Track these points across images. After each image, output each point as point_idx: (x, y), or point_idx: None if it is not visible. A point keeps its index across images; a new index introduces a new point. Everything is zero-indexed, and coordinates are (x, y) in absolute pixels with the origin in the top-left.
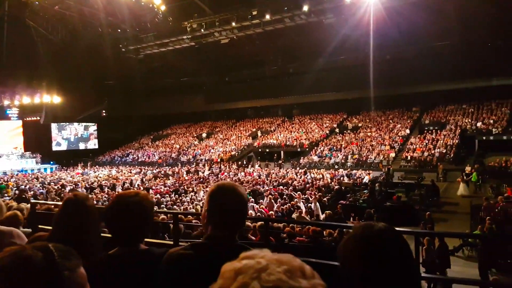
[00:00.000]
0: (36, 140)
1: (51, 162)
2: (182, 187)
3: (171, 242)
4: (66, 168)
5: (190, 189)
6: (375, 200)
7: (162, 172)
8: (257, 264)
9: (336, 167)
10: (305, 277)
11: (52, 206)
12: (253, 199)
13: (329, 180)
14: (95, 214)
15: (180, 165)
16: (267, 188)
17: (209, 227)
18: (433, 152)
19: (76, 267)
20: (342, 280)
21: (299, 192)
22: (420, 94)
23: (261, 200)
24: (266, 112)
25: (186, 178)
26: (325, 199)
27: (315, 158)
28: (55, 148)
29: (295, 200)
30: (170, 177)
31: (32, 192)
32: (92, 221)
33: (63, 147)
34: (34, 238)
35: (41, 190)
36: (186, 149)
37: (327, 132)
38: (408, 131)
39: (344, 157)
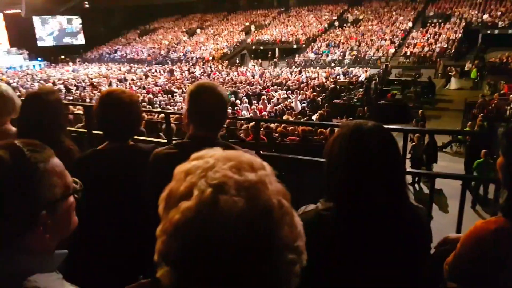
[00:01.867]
0: (20, 35)
1: (39, 59)
2: (174, 86)
3: (165, 141)
4: (55, 65)
5: (182, 89)
6: (369, 98)
7: (153, 70)
8: (205, 163)
9: (332, 65)
10: (254, 170)
11: None
12: (246, 100)
13: (324, 80)
14: (58, 108)
15: (170, 63)
16: (260, 88)
17: (191, 127)
18: (434, 47)
19: (49, 157)
20: (327, 174)
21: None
22: None
23: (255, 101)
24: (260, 2)
25: (178, 77)
26: (319, 98)
27: (312, 56)
28: (40, 43)
29: (289, 100)
30: (162, 76)
31: (25, 90)
32: (54, 115)
33: (49, 42)
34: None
35: (34, 88)
36: (175, 46)
37: (326, 26)
38: (410, 24)
39: (341, 54)
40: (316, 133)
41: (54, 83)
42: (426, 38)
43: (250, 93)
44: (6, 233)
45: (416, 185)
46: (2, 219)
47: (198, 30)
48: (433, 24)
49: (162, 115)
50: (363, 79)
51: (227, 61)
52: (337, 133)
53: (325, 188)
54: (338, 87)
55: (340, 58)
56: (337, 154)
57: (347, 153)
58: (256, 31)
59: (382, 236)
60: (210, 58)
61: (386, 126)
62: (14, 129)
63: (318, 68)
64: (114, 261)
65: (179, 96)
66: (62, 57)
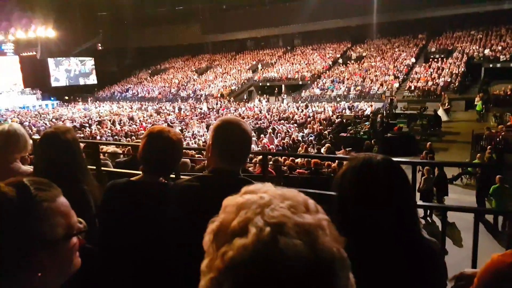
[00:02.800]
0: (35, 76)
1: (52, 98)
2: (183, 123)
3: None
4: (67, 104)
5: (191, 124)
6: (376, 131)
7: (163, 107)
8: (260, 199)
9: (338, 99)
10: (309, 212)
11: None
12: (254, 134)
13: (330, 113)
14: (75, 146)
15: (180, 100)
16: (267, 123)
17: (213, 161)
18: (437, 81)
19: (55, 196)
20: (336, 208)
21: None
22: (427, 19)
23: (262, 135)
24: (266, 43)
25: (187, 114)
26: (325, 132)
27: (317, 91)
28: (54, 84)
29: (296, 135)
30: (172, 113)
31: (35, 129)
32: (71, 153)
33: (62, 82)
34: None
35: (43, 127)
36: (185, 84)
37: (330, 63)
38: (413, 59)
39: (346, 89)
40: (324, 166)
41: (73, 121)
42: (430, 72)
43: (259, 128)
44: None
45: (428, 218)
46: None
47: (207, 69)
48: (435, 59)
49: None
50: (368, 113)
51: (234, 97)
52: (347, 166)
53: (335, 221)
54: (344, 120)
55: (345, 93)
56: (347, 187)
57: (357, 186)
58: (263, 69)
59: (395, 271)
60: (219, 95)
61: (395, 159)
62: (24, 167)
63: (324, 103)
64: None
65: (187, 132)
66: (67, 97)
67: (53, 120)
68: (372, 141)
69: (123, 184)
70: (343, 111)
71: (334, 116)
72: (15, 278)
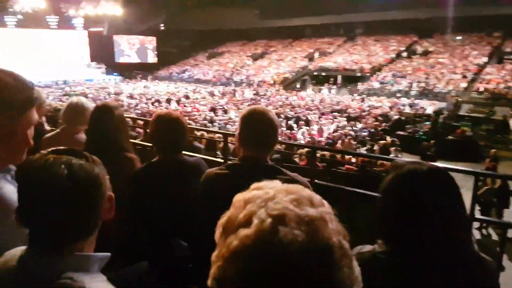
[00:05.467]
0: (101, 51)
1: (115, 74)
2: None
3: (222, 160)
4: (128, 80)
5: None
6: (437, 132)
7: (217, 91)
8: (265, 194)
9: (398, 95)
10: (313, 206)
11: None
12: (305, 124)
13: (388, 109)
14: (122, 120)
15: (233, 84)
16: (318, 114)
17: (242, 149)
18: (510, 84)
19: (100, 164)
20: (380, 217)
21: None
22: (504, 17)
23: (312, 126)
24: (326, 31)
25: (239, 98)
26: (380, 129)
27: (376, 85)
28: (117, 59)
29: (347, 128)
30: (224, 97)
31: (99, 102)
32: (118, 126)
33: (125, 59)
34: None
35: (106, 100)
36: (239, 69)
37: (393, 56)
38: (485, 59)
39: (408, 85)
40: (375, 164)
41: (132, 96)
42: (502, 74)
43: (289, 116)
44: (75, 235)
45: (483, 230)
46: (89, 216)
47: (262, 55)
48: (510, 60)
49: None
50: (430, 112)
51: (287, 85)
52: (392, 175)
53: (379, 229)
54: (403, 118)
55: (407, 89)
56: (391, 197)
57: (401, 197)
58: (319, 58)
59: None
60: (271, 82)
61: (450, 167)
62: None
63: (382, 97)
64: (157, 268)
65: (236, 117)
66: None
67: (114, 94)
68: (431, 142)
69: (143, 168)
70: (403, 107)
71: (392, 112)
72: (95, 229)
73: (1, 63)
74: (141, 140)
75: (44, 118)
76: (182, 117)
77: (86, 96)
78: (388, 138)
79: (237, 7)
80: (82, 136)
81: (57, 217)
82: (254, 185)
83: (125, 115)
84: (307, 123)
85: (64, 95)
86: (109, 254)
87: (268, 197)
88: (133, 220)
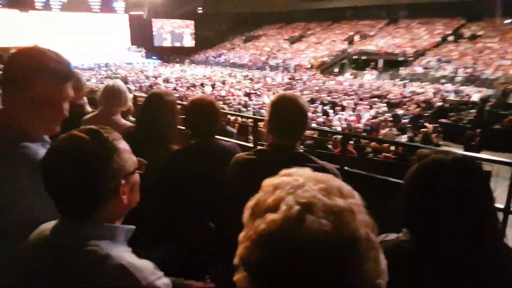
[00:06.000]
0: (141, 35)
1: (154, 57)
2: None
3: (252, 145)
4: (166, 64)
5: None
6: (482, 121)
7: (251, 75)
8: (294, 181)
9: (442, 81)
10: (342, 196)
11: None
12: (341, 110)
13: (431, 96)
14: (172, 108)
15: (269, 69)
16: (356, 99)
17: (271, 135)
18: None
19: (120, 138)
20: (405, 206)
21: None
22: None
23: (348, 112)
24: (367, 13)
25: (274, 83)
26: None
27: (419, 70)
28: (156, 43)
29: (386, 115)
30: (259, 81)
31: (138, 85)
32: (169, 113)
33: (164, 43)
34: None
35: (145, 83)
36: (275, 53)
37: (438, 40)
38: None
39: (454, 70)
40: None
41: (167, 80)
42: None
43: (325, 102)
44: (97, 202)
45: None
46: (97, 192)
47: (300, 39)
48: None
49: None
50: (476, 100)
51: (325, 69)
52: (416, 164)
53: (403, 218)
54: (446, 105)
55: (452, 74)
56: (415, 187)
57: (425, 187)
58: (359, 41)
59: (466, 281)
60: (308, 66)
61: (490, 157)
62: (123, 120)
63: (425, 83)
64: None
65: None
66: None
67: (152, 77)
68: (476, 131)
69: (181, 150)
70: (447, 94)
71: (435, 99)
72: (109, 202)
73: (46, 46)
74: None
75: (85, 99)
76: (216, 102)
77: (126, 79)
78: (429, 126)
79: None
80: (118, 117)
81: (66, 187)
82: (284, 171)
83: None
84: (343, 109)
85: (106, 77)
86: (133, 226)
87: (297, 184)
88: (165, 200)
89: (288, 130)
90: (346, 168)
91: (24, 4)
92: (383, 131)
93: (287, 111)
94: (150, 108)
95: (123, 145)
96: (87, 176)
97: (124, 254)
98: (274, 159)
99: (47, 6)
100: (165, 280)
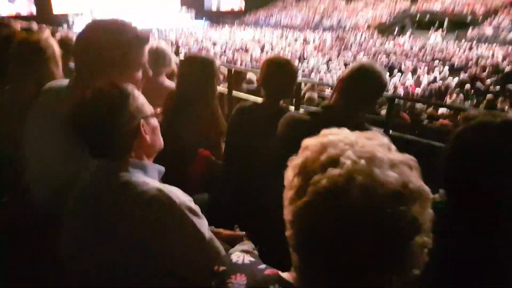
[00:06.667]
0: None
1: (203, 19)
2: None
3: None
4: (215, 26)
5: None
6: None
7: (303, 37)
8: (345, 138)
9: None
10: (393, 153)
11: None
12: (399, 73)
13: (499, 59)
14: (210, 75)
15: (322, 30)
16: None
17: (335, 96)
18: None
19: (133, 88)
20: (445, 166)
21: None
22: None
23: (408, 75)
24: None
25: (328, 45)
26: (488, 81)
27: (489, 31)
28: (206, 5)
29: (448, 80)
30: (311, 43)
31: (187, 47)
32: (206, 82)
33: (214, 5)
34: None
35: (195, 47)
36: (330, 12)
37: None
38: None
39: None
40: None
41: (215, 44)
42: None
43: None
44: (123, 141)
45: None
46: (122, 130)
47: None
48: None
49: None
50: None
51: (383, 30)
52: (460, 128)
53: (443, 179)
54: None
55: None
56: (459, 149)
57: (468, 151)
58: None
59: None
60: (365, 27)
61: None
62: (167, 81)
63: (495, 45)
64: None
65: (322, 64)
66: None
67: (203, 40)
68: None
69: (248, 106)
70: None
71: (504, 63)
72: (136, 141)
73: (100, 12)
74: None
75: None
76: (292, 62)
77: (177, 43)
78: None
79: None
80: (163, 79)
81: (96, 131)
82: (326, 131)
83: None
84: (401, 72)
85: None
86: (163, 168)
87: (350, 141)
88: (226, 155)
89: (359, 98)
90: (391, 132)
91: None
92: (450, 100)
93: (365, 79)
94: (187, 71)
95: (137, 92)
96: (110, 117)
97: (157, 182)
98: (328, 120)
99: None
100: (194, 205)
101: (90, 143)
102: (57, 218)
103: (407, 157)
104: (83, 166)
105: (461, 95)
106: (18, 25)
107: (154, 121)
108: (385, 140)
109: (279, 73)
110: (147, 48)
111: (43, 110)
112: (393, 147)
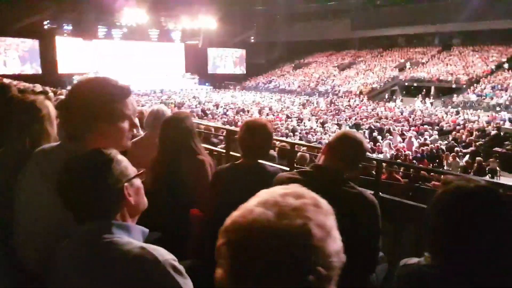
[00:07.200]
0: (195, 63)
1: (206, 84)
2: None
3: (287, 168)
4: (218, 90)
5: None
6: None
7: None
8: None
9: (497, 109)
10: (299, 198)
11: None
12: (390, 137)
13: (485, 124)
14: (189, 131)
15: (317, 94)
16: (407, 126)
17: (322, 158)
18: None
19: (116, 152)
20: (428, 231)
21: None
22: None
23: (399, 139)
24: (420, 40)
25: (323, 109)
26: (477, 143)
27: (473, 97)
28: (210, 71)
29: (439, 143)
30: (307, 107)
31: (190, 110)
32: (185, 136)
33: (216, 70)
34: None
35: (196, 107)
36: (325, 79)
37: (493, 67)
38: None
39: (509, 98)
40: None
41: (217, 106)
42: None
43: (373, 128)
44: (108, 204)
45: None
46: (106, 194)
47: (350, 66)
48: None
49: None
50: None
51: (374, 96)
52: (439, 192)
53: (426, 243)
54: (501, 133)
55: (508, 102)
56: (437, 214)
57: (446, 214)
58: (411, 68)
59: None
60: (357, 92)
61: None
62: None
63: (480, 111)
64: None
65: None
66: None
67: (205, 103)
68: None
69: (225, 167)
70: (502, 123)
71: (489, 127)
72: (120, 204)
73: (107, 72)
74: (221, 148)
75: (137, 121)
76: (269, 124)
77: (182, 104)
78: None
79: (328, 19)
80: None
81: (81, 196)
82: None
83: (211, 123)
84: (392, 135)
85: (160, 103)
86: (147, 229)
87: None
88: (213, 215)
89: (346, 160)
90: (381, 194)
91: (87, 33)
92: (447, 162)
93: (347, 143)
94: (168, 126)
95: (120, 156)
96: (95, 181)
97: (141, 242)
98: (318, 180)
99: (109, 35)
100: (178, 264)
101: (73, 207)
102: (43, 279)
103: (302, 202)
104: (71, 228)
105: (457, 158)
106: (15, 88)
107: (138, 182)
108: (309, 194)
109: (255, 135)
110: (130, 100)
111: (34, 173)
112: (316, 200)
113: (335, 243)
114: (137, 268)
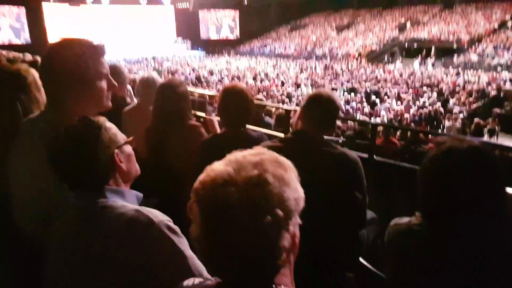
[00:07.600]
0: (186, 27)
1: (199, 49)
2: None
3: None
4: (211, 55)
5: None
6: None
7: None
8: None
9: (499, 69)
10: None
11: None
12: (389, 100)
13: (485, 85)
14: (183, 96)
15: (314, 58)
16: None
17: (300, 123)
18: None
19: (105, 121)
20: (420, 191)
21: None
22: None
23: (398, 102)
24: None
25: (319, 73)
26: (475, 105)
27: (474, 58)
28: (202, 35)
29: (438, 105)
30: (304, 71)
31: (183, 76)
32: (181, 101)
33: (209, 35)
34: None
35: (190, 75)
36: (322, 42)
37: (496, 26)
38: None
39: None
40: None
41: (212, 73)
42: None
43: (368, 91)
44: (99, 172)
45: None
46: (97, 161)
47: (348, 26)
48: None
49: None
50: None
51: (373, 58)
52: (431, 152)
53: (417, 203)
54: (501, 94)
55: (510, 62)
56: (429, 174)
57: (438, 174)
58: (411, 28)
59: (474, 266)
60: (356, 55)
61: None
62: None
63: (480, 71)
64: None
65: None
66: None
67: (199, 69)
68: None
69: (210, 138)
70: (503, 83)
71: (489, 88)
72: (112, 170)
73: (96, 39)
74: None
75: (130, 89)
76: (247, 90)
77: (174, 72)
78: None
79: None
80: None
81: (73, 164)
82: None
83: (206, 91)
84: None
85: (153, 70)
86: (141, 194)
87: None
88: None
89: (319, 123)
90: (375, 157)
91: None
92: (447, 124)
93: (322, 105)
94: (162, 93)
95: (109, 124)
96: (85, 150)
97: (135, 206)
98: (298, 146)
99: (96, 0)
100: (173, 224)
101: (67, 177)
102: (42, 246)
103: (260, 158)
104: (66, 196)
105: (459, 120)
106: (3, 58)
107: (128, 149)
108: (267, 153)
109: (233, 102)
110: (105, 58)
111: (24, 143)
112: (274, 158)
113: (295, 192)
114: (132, 230)
